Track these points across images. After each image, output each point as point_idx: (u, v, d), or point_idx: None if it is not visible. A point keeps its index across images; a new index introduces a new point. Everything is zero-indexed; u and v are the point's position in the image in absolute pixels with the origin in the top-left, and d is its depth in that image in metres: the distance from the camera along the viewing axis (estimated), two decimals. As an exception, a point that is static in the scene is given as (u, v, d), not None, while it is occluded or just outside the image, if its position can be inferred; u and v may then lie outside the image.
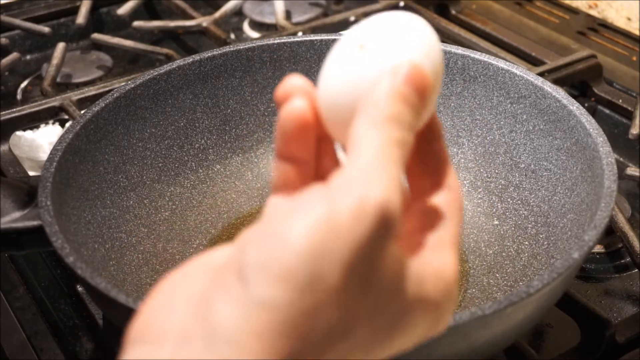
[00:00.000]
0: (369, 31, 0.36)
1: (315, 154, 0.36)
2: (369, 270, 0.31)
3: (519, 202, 0.66)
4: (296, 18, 1.02)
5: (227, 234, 0.67)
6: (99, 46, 0.98)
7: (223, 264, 0.33)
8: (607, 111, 0.85)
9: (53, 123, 0.80)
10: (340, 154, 0.37)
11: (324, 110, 0.36)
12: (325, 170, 0.36)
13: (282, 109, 0.35)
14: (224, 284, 0.31)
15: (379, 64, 0.35)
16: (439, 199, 0.37)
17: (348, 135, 0.34)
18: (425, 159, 0.37)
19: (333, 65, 0.36)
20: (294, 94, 0.35)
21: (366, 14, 0.96)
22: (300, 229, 0.31)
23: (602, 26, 0.99)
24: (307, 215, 0.31)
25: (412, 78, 0.34)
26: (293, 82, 0.36)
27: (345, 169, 0.32)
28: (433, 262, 0.34)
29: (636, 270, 0.67)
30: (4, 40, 0.94)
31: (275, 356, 0.30)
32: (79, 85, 0.90)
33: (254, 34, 1.02)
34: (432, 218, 0.36)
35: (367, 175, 0.31)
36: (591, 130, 0.59)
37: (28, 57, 0.99)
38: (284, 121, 0.35)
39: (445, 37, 0.96)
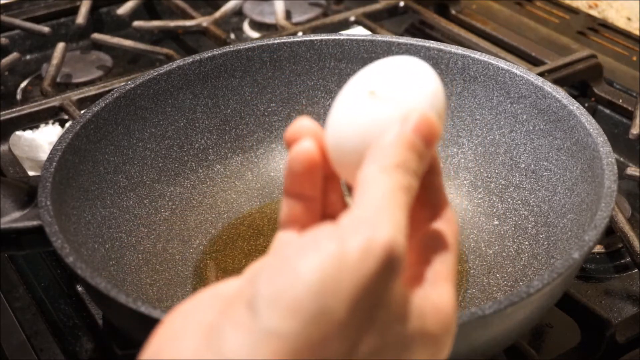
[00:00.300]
0: (378, 77, 0.38)
1: (322, 191, 0.38)
2: (374, 306, 0.33)
3: (519, 202, 0.66)
4: (296, 18, 1.02)
5: (227, 234, 0.67)
6: (99, 46, 0.98)
7: (233, 295, 0.34)
8: (607, 111, 0.85)
9: (53, 123, 0.80)
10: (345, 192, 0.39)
11: (333, 151, 0.37)
12: (332, 206, 0.38)
13: (291, 149, 0.37)
14: (234, 313, 0.32)
15: (388, 111, 0.37)
16: (437, 231, 0.38)
17: (355, 175, 0.36)
18: (424, 191, 0.38)
19: (343, 109, 0.38)
20: (303, 136, 0.37)
21: (366, 14, 0.96)
22: (311, 264, 0.32)
23: (602, 26, 0.99)
24: (317, 252, 0.32)
25: (421, 127, 0.36)
26: (302, 124, 0.37)
27: (354, 210, 0.34)
28: (432, 296, 0.36)
29: (636, 270, 0.67)
30: (4, 40, 0.94)
31: None
32: (79, 85, 0.90)
33: (254, 34, 1.02)
34: (430, 251, 0.37)
35: (375, 218, 0.33)
36: (591, 130, 0.59)
37: (28, 57, 0.99)
38: (292, 162, 0.37)
39: (445, 37, 0.96)
